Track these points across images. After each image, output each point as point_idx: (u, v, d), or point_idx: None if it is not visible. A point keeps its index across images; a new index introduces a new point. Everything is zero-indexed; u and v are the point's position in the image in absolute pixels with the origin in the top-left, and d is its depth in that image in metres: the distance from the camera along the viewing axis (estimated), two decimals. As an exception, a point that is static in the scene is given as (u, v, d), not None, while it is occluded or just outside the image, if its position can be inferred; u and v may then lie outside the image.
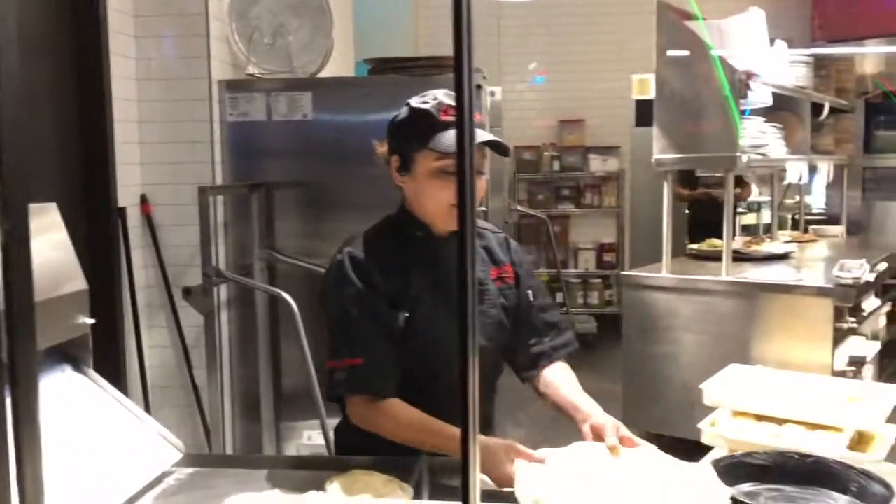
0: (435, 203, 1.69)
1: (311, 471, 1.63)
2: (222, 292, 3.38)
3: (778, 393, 3.55)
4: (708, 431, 3.57)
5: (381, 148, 1.79)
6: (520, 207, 6.90)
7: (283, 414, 3.56)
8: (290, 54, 3.52)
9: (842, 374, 3.92)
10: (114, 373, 3.15)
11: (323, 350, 3.35)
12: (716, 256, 4.26)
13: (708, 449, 3.71)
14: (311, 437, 3.45)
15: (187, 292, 2.90)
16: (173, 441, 1.63)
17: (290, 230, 3.43)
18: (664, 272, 4.14)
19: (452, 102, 1.65)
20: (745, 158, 3.92)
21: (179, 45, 3.30)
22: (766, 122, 4.31)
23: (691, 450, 3.68)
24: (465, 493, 0.56)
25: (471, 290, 0.58)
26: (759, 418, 3.44)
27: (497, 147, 1.70)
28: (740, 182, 5.57)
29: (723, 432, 3.47)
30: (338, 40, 3.75)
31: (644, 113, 5.83)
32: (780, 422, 3.41)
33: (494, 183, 6.37)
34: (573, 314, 6.86)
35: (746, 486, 1.47)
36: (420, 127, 1.66)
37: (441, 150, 1.62)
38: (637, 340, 4.20)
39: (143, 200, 3.35)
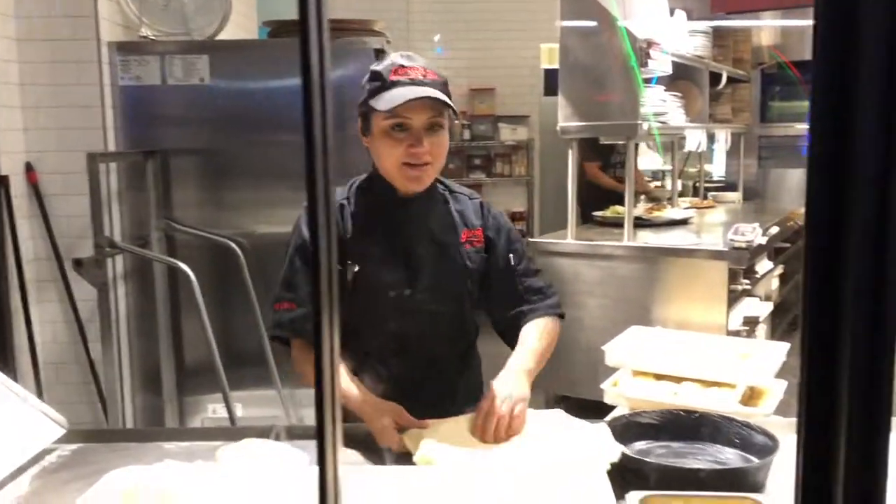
0: (389, 162, 1.69)
1: (205, 441, 1.59)
2: (118, 264, 3.25)
3: (676, 353, 3.69)
4: (610, 391, 3.67)
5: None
6: (430, 176, 6.89)
7: (185, 388, 3.47)
8: (185, 16, 3.38)
9: (736, 333, 4.09)
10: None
11: (223, 320, 3.30)
12: (619, 223, 4.36)
13: (611, 408, 3.83)
14: (216, 410, 3.38)
15: (78, 264, 2.77)
16: (55, 417, 1.56)
17: (188, 199, 3.32)
18: (569, 238, 4.21)
19: (406, 63, 1.67)
20: (645, 126, 4.01)
21: (64, 3, 3.12)
22: (666, 90, 4.41)
23: (596, 410, 3.79)
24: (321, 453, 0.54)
25: (324, 245, 0.55)
26: (659, 377, 3.56)
27: (442, 102, 1.65)
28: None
29: (624, 392, 3.57)
30: (239, 2, 3.62)
31: (552, 82, 5.87)
32: (678, 380, 3.53)
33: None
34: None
35: (639, 445, 1.50)
36: (372, 88, 1.67)
37: (380, 108, 1.62)
38: (544, 306, 4.27)
39: (29, 169, 3.17)
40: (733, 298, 4.04)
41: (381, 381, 1.72)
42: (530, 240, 4.36)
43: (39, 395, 3.20)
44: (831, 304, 0.49)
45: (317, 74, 0.55)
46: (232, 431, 1.63)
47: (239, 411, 3.28)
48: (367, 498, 1.20)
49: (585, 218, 5.22)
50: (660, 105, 4.23)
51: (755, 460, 1.39)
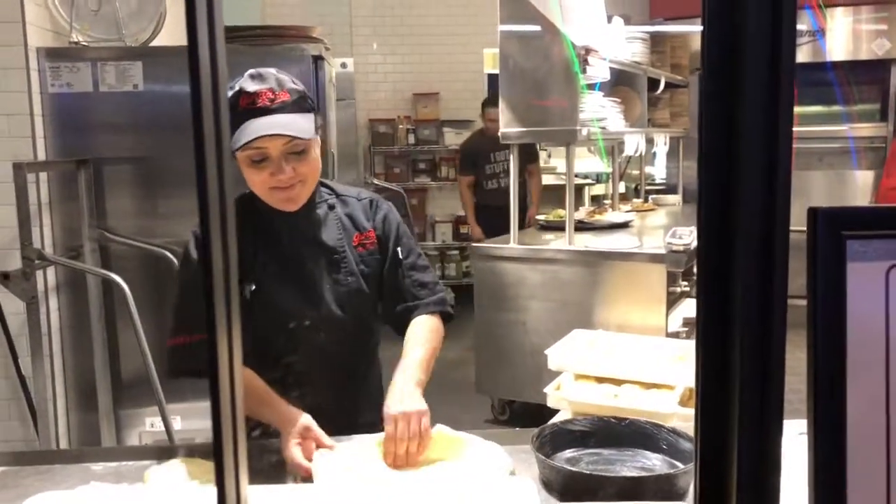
0: (256, 188, 1.66)
1: (134, 461, 1.55)
2: (49, 276, 3.16)
3: (617, 356, 3.74)
4: (553, 395, 3.71)
5: None
6: (376, 181, 6.86)
7: (121, 401, 3.39)
8: (118, 21, 3.31)
9: (676, 334, 4.17)
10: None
11: (160, 332, 3.23)
12: (561, 227, 4.41)
13: (555, 412, 3.86)
14: (154, 424, 3.31)
15: (6, 277, 2.69)
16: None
17: (121, 208, 3.25)
18: (512, 243, 4.25)
19: (252, 87, 1.59)
20: (584, 132, 4.06)
21: (-11, 8, 3.03)
22: (605, 97, 4.47)
23: (540, 414, 3.83)
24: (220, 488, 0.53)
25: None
26: (600, 380, 3.61)
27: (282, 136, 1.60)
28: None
29: (566, 395, 3.62)
30: (173, 7, 3.55)
31: (495, 86, 5.92)
32: (619, 382, 3.59)
33: (349, 156, 6.30)
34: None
35: (568, 453, 1.52)
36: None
37: (232, 147, 1.57)
38: (488, 309, 4.30)
39: (-47, 178, 3.07)
40: (672, 300, 4.12)
41: (283, 393, 1.66)
42: (472, 244, 4.38)
43: (-33, 412, 3.10)
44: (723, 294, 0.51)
45: (207, 84, 0.54)
46: (161, 450, 1.60)
47: (177, 424, 3.22)
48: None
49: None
50: (599, 111, 4.28)
51: (680, 466, 1.42)
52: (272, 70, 1.66)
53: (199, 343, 1.60)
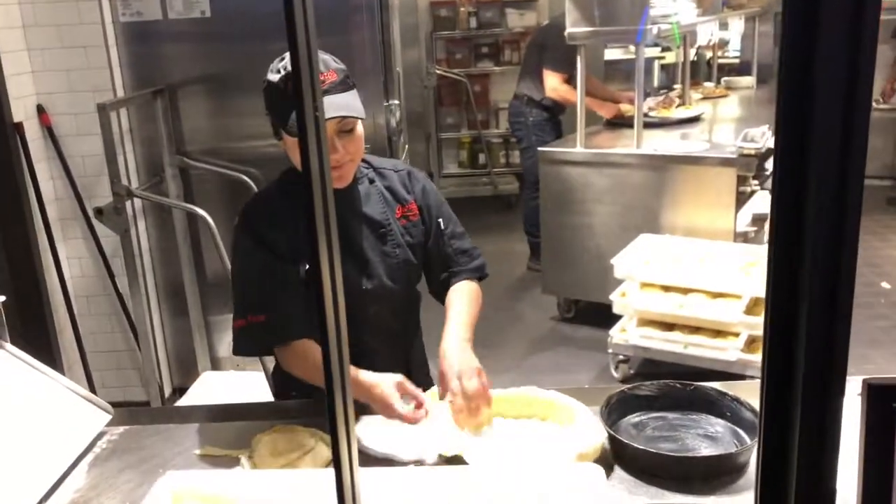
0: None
1: (242, 421, 1.72)
2: (137, 202, 3.33)
3: (684, 263, 3.79)
4: (618, 302, 3.83)
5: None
6: (438, 70, 6.78)
7: (210, 308, 3.62)
8: (180, -58, 3.29)
9: (744, 234, 4.17)
10: (34, 295, 3.15)
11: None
12: (629, 123, 4.35)
13: (619, 317, 3.98)
14: (242, 335, 3.54)
15: (99, 212, 2.86)
16: (100, 404, 1.69)
17: (199, 133, 3.36)
18: (578, 147, 4.23)
19: None
20: (654, 30, 3.93)
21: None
22: (678, -16, 4.28)
23: (604, 314, 3.95)
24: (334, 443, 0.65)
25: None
26: (666, 289, 3.70)
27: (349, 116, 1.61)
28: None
29: (631, 303, 3.73)
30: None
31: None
32: (685, 291, 3.68)
33: (410, 41, 6.22)
34: (495, 175, 6.95)
35: (636, 417, 1.62)
36: (275, 101, 1.63)
37: (288, 131, 1.60)
38: (555, 212, 4.35)
39: (41, 111, 3.21)
40: (742, 200, 4.08)
41: None
42: (539, 149, 4.36)
43: (75, 329, 3.38)
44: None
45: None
46: (264, 409, 1.77)
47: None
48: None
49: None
50: (668, 5, 4.11)
51: (743, 435, 1.51)
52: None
53: (259, 325, 1.67)
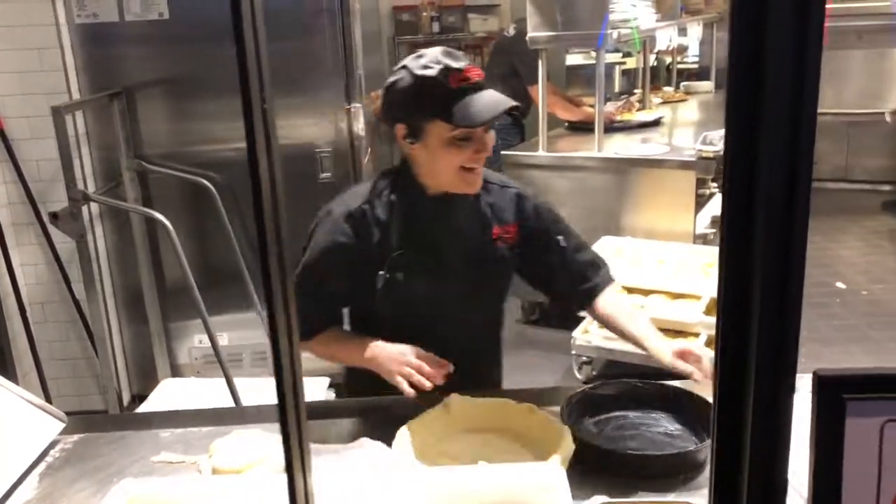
0: (449, 168, 1.64)
1: (198, 426, 1.69)
2: (94, 207, 3.27)
3: (644, 264, 3.83)
4: (581, 304, 3.83)
5: (376, 104, 1.75)
6: (401, 73, 6.77)
7: (170, 316, 3.56)
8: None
9: (703, 237, 4.23)
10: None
11: (201, 255, 3.34)
12: (590, 128, 4.38)
13: (581, 319, 4.00)
14: (202, 341, 3.50)
15: (55, 217, 2.80)
16: (53, 412, 1.65)
17: (157, 136, 3.31)
18: (541, 150, 4.25)
19: (459, 64, 1.59)
20: (615, 34, 3.97)
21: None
22: (636, -9, 4.33)
23: (568, 316, 3.97)
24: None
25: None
26: (628, 290, 3.73)
27: (512, 110, 1.63)
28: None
29: (594, 305, 3.74)
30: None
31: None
32: (646, 293, 3.71)
33: (372, 46, 6.19)
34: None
35: (597, 416, 1.62)
36: (430, 97, 1.59)
37: (462, 124, 1.57)
38: (517, 215, 4.35)
39: (-6, 114, 3.14)
40: (701, 202, 4.14)
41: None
42: (503, 152, 4.38)
43: (29, 337, 3.30)
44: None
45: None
46: (219, 416, 1.74)
47: (224, 340, 3.40)
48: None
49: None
50: (628, 10, 4.16)
51: (703, 432, 1.53)
52: (451, 48, 1.67)
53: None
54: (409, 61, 1.63)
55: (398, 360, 1.60)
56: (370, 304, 1.72)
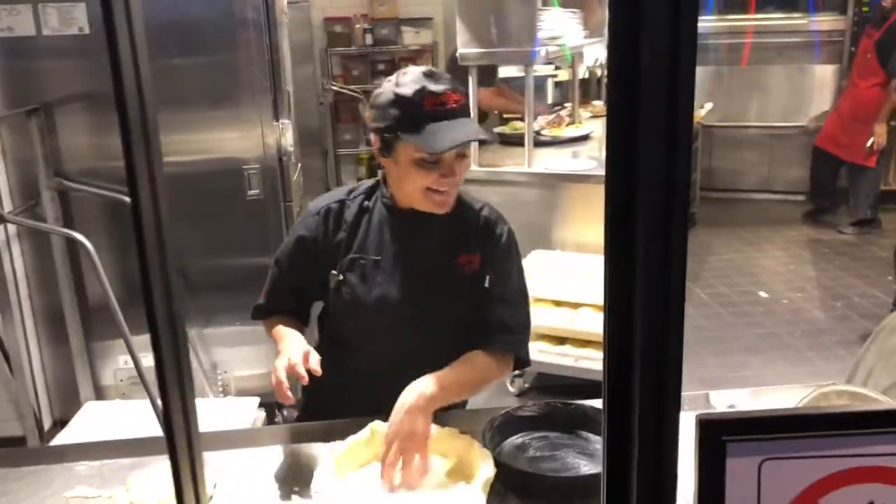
0: (415, 186, 1.65)
1: (115, 458, 1.65)
2: (10, 226, 3.16)
3: (574, 278, 3.89)
4: (513, 317, 3.87)
5: (367, 113, 1.78)
6: (334, 85, 6.75)
7: (93, 335, 3.46)
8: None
9: (632, 249, 4.31)
10: None
11: (124, 275, 3.26)
12: (520, 142, 4.44)
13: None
14: (127, 362, 3.41)
15: (-34, 238, 2.70)
16: (-40, 447, 1.59)
17: (78, 153, 3.21)
18: (473, 165, 4.27)
19: (436, 87, 1.60)
20: (543, 51, 4.04)
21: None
22: (564, 10, 4.41)
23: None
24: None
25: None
26: (558, 303, 3.79)
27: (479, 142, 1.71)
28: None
29: (525, 319, 3.78)
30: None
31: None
32: (575, 306, 3.77)
33: (303, 57, 6.16)
34: (393, 191, 6.94)
35: (519, 438, 1.64)
36: (403, 116, 1.60)
37: (425, 148, 1.57)
38: (449, 229, 4.38)
39: None
40: (629, 216, 4.23)
41: (356, 389, 1.75)
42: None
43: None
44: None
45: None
46: (139, 446, 1.70)
47: (148, 360, 3.31)
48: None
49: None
50: (555, 27, 4.23)
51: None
52: (438, 69, 1.67)
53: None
54: (395, 76, 1.66)
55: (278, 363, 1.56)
56: (327, 302, 1.80)
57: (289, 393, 1.52)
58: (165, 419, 0.72)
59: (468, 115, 1.68)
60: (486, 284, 1.73)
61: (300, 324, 1.82)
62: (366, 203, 1.75)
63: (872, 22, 5.97)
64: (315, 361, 1.53)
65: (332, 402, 1.80)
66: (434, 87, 1.60)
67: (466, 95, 1.68)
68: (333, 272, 1.73)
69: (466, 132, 1.62)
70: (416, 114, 1.59)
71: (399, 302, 1.72)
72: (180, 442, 0.70)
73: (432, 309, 1.74)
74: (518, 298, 1.79)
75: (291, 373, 1.52)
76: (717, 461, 0.65)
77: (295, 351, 1.56)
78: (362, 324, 1.75)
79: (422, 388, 1.54)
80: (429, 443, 1.51)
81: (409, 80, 1.62)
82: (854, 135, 5.83)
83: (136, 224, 0.64)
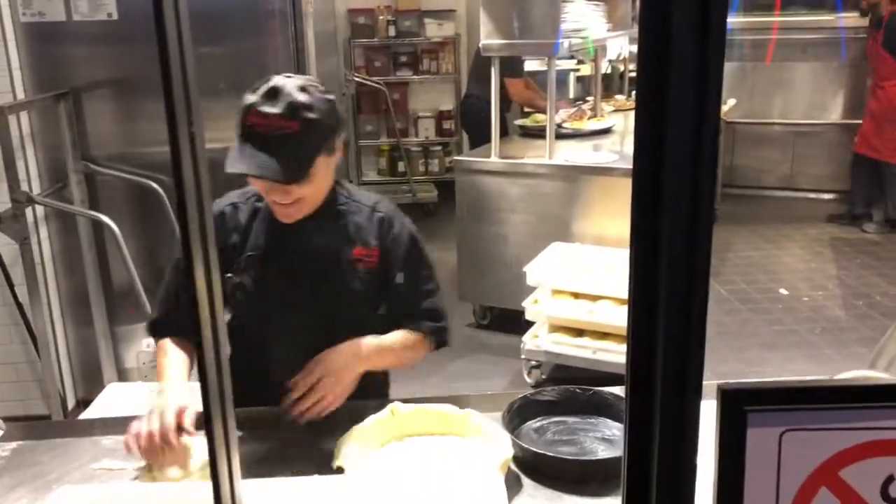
0: (266, 197, 1.67)
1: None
2: (38, 209, 3.21)
3: (593, 270, 3.89)
4: (531, 309, 3.90)
5: None
6: (357, 76, 6.77)
7: (117, 319, 3.52)
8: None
9: (652, 243, 4.30)
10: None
11: (149, 257, 3.31)
12: (542, 134, 4.44)
13: (531, 324, 4.04)
14: (150, 345, 3.46)
15: (-3, 219, 2.75)
16: (-9, 419, 1.63)
17: (105, 137, 3.26)
18: (493, 157, 4.29)
19: (268, 109, 1.53)
20: (566, 44, 4.03)
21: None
22: (588, 3, 4.40)
23: (519, 320, 4.01)
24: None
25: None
26: (577, 296, 3.79)
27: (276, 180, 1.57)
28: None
29: (543, 310, 3.80)
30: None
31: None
32: (594, 298, 3.77)
33: (327, 47, 6.17)
34: (414, 183, 6.97)
35: (537, 422, 1.66)
36: (238, 122, 1.58)
37: (225, 167, 1.54)
38: (470, 220, 4.40)
39: (-67, 113, 3.06)
40: (649, 210, 4.21)
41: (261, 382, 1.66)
42: (455, 158, 4.41)
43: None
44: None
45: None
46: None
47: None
48: None
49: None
50: (580, 20, 4.23)
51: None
52: (295, 84, 1.57)
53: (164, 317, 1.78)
54: (273, 77, 1.60)
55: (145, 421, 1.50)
56: (229, 307, 1.70)
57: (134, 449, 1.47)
58: (204, 398, 0.73)
59: (292, 148, 1.55)
60: (399, 280, 1.75)
61: (192, 347, 1.74)
62: (258, 204, 1.74)
63: (872, 25, 5.97)
64: (190, 420, 1.48)
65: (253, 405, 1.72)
66: (266, 107, 1.53)
67: (310, 128, 1.55)
68: (228, 275, 1.69)
69: (259, 164, 1.53)
70: (240, 124, 1.57)
71: (297, 298, 1.71)
72: (218, 430, 0.70)
73: (333, 304, 1.73)
74: (431, 285, 1.82)
75: (160, 439, 1.46)
76: (739, 431, 0.66)
77: (170, 406, 1.50)
78: (264, 324, 1.73)
79: (358, 341, 1.66)
80: (346, 390, 1.61)
81: (259, 89, 1.57)
82: (887, 135, 5.79)
83: (181, 209, 0.66)
